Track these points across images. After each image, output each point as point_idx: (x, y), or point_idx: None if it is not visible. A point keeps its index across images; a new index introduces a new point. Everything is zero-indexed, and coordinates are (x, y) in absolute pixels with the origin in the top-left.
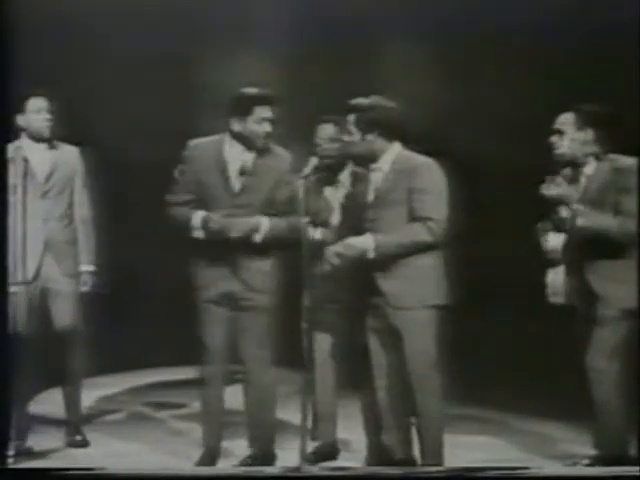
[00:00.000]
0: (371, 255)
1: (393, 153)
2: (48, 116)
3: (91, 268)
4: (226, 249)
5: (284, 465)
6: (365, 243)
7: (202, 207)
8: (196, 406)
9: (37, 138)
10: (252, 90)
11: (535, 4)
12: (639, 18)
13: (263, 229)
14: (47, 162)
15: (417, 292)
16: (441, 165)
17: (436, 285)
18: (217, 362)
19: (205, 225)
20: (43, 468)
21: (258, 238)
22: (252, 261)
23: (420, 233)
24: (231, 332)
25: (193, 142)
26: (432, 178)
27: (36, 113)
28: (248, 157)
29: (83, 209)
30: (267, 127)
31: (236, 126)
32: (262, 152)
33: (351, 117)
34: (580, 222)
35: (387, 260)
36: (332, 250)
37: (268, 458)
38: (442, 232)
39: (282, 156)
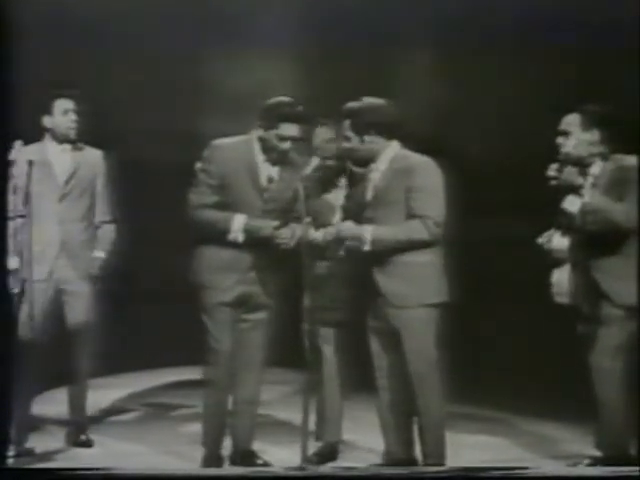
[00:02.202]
0: (366, 247)
1: (391, 152)
2: (75, 117)
3: (102, 255)
4: (247, 252)
5: (285, 465)
6: (362, 231)
7: (227, 209)
8: (201, 406)
9: (62, 140)
10: (281, 105)
11: (535, 4)
12: (639, 18)
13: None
14: (68, 164)
15: (416, 291)
16: (441, 165)
17: (434, 283)
18: (224, 364)
19: (250, 229)
20: (43, 468)
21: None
22: (272, 264)
23: (417, 230)
24: (237, 333)
25: (217, 142)
26: (429, 177)
27: (63, 114)
28: (272, 164)
29: (103, 211)
30: (286, 145)
31: (261, 134)
32: (285, 162)
33: (347, 122)
34: (587, 200)
35: (383, 256)
36: (330, 229)
37: (249, 457)
38: (439, 230)
39: (301, 166)
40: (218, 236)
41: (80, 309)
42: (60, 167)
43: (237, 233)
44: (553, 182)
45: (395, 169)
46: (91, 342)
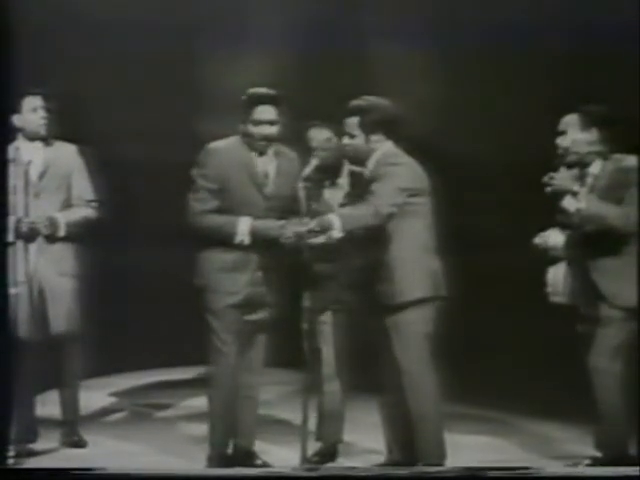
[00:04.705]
0: (338, 233)
1: (382, 150)
2: (44, 114)
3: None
4: (252, 253)
5: (285, 465)
6: (329, 217)
7: (230, 212)
8: (194, 406)
9: (33, 137)
10: (253, 90)
11: (535, 4)
12: (639, 18)
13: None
14: (40, 161)
15: (399, 288)
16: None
17: (417, 279)
18: (230, 365)
19: (257, 231)
20: (43, 468)
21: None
22: (274, 263)
23: (367, 216)
24: (241, 334)
25: (212, 145)
26: (389, 166)
27: (32, 112)
28: (266, 160)
29: (82, 205)
30: (266, 129)
31: (241, 127)
32: (277, 154)
33: (354, 119)
34: (584, 206)
35: (372, 253)
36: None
37: (249, 457)
38: (386, 216)
39: (294, 159)
40: (223, 240)
41: (63, 308)
42: (33, 165)
43: (244, 236)
44: (548, 189)
45: (378, 168)
46: (78, 342)
